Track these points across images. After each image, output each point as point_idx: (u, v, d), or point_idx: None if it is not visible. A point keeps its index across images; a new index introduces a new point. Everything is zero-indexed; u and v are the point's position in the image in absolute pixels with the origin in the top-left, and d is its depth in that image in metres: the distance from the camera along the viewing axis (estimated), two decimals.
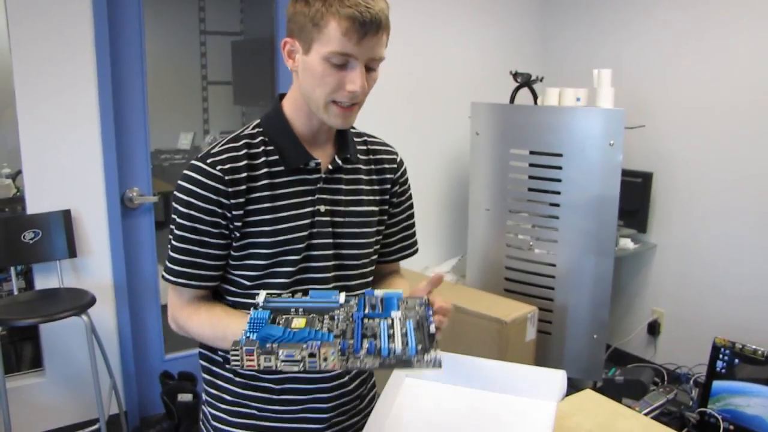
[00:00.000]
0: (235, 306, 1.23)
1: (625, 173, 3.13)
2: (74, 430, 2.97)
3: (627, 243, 3.53)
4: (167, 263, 1.20)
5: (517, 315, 2.87)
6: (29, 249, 2.76)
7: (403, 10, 3.57)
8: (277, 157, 1.21)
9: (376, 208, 1.32)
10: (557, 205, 3.19)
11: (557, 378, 1.36)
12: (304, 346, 0.91)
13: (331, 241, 1.24)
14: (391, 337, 0.98)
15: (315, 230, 1.22)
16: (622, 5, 3.73)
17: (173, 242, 1.19)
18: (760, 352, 2.37)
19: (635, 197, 3.58)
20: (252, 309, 1.04)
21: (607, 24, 3.83)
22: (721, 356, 2.47)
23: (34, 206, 2.77)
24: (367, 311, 1.06)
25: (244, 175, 1.17)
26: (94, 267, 2.93)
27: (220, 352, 1.28)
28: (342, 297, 1.09)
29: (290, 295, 1.17)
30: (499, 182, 3.38)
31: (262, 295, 1.08)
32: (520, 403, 1.32)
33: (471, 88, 3.88)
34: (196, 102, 4.59)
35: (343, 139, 1.28)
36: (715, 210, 3.38)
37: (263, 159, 1.20)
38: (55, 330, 2.86)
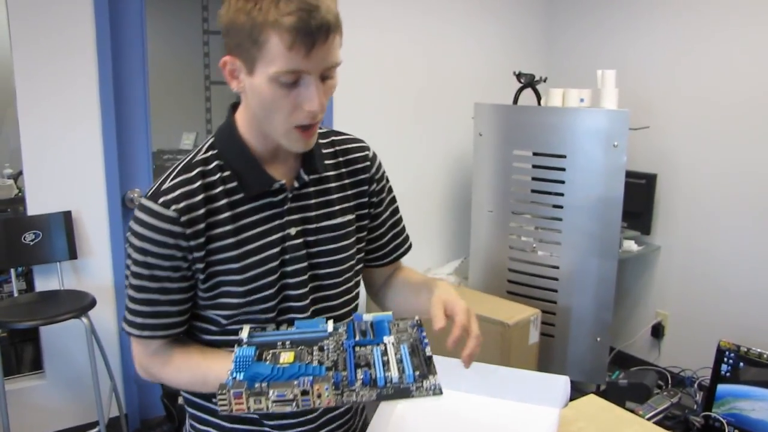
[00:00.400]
0: (214, 344, 1.13)
1: (629, 174, 3.11)
2: None
3: (631, 245, 3.51)
4: (127, 314, 1.09)
5: (519, 318, 2.86)
6: (29, 250, 2.75)
7: (405, 10, 3.56)
8: (236, 183, 1.08)
9: (351, 216, 1.21)
10: (560, 206, 3.17)
11: (561, 384, 1.34)
12: (296, 383, 0.85)
13: (306, 264, 1.13)
14: (386, 364, 0.92)
15: (287, 256, 1.11)
16: (627, 5, 3.71)
17: (131, 292, 1.08)
18: (765, 355, 2.35)
19: (639, 199, 3.56)
20: (236, 345, 0.98)
21: (611, 24, 3.81)
22: (725, 359, 2.45)
23: (34, 207, 2.76)
24: (357, 338, 0.99)
25: (201, 211, 1.05)
26: (95, 268, 2.91)
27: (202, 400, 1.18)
28: (330, 325, 1.03)
29: (275, 327, 1.08)
30: (502, 183, 3.36)
31: (245, 329, 1.03)
32: (523, 410, 1.31)
33: (474, 88, 3.86)
34: (199, 102, 4.57)
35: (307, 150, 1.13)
36: (720, 212, 3.36)
37: (221, 188, 1.07)
38: (56, 332, 2.85)
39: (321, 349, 0.97)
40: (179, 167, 1.09)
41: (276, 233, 1.11)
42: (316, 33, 0.93)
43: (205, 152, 1.10)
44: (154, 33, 3.08)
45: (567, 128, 3.11)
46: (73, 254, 2.81)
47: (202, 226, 1.05)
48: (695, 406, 2.91)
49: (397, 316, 1.07)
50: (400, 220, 1.35)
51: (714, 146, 3.35)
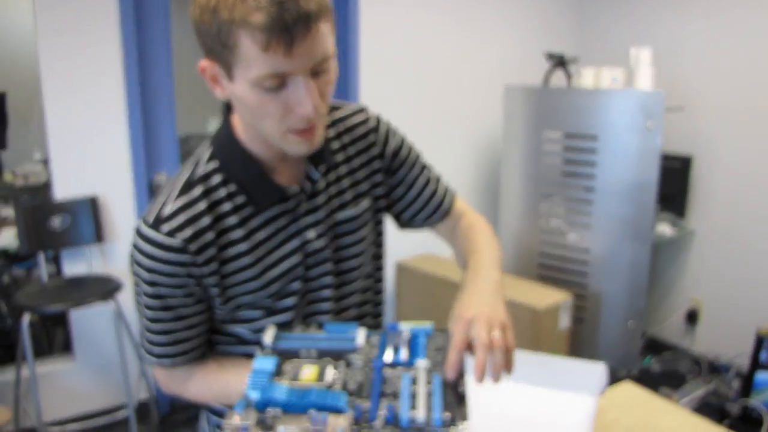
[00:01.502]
0: (240, 354, 1.08)
1: (664, 157, 3.04)
2: (104, 415, 2.98)
3: (664, 229, 3.43)
4: (145, 342, 1.03)
5: (550, 303, 2.81)
6: (57, 235, 2.76)
7: None
8: (244, 198, 0.99)
9: (365, 202, 1.12)
10: (592, 189, 3.11)
11: (598, 371, 1.29)
12: (309, 421, 0.78)
13: (330, 267, 1.07)
14: (413, 398, 0.83)
15: (310, 261, 1.04)
16: None
17: (146, 323, 1.01)
18: None
19: (674, 182, 3.47)
20: (257, 350, 0.92)
21: (645, 0, 3.70)
22: (764, 347, 2.38)
23: (61, 192, 2.77)
24: (388, 357, 0.90)
25: (211, 236, 0.96)
26: (122, 253, 2.92)
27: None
28: (361, 335, 0.95)
29: (303, 328, 0.99)
30: (532, 166, 3.31)
31: (270, 331, 0.96)
32: (559, 398, 1.27)
33: (503, 70, 3.79)
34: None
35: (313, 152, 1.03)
36: (757, 195, 3.26)
37: (229, 205, 0.98)
38: (84, 316, 2.86)
39: (348, 364, 0.89)
40: (178, 187, 0.97)
41: (295, 240, 1.03)
42: (293, 27, 0.80)
43: (205, 165, 0.99)
44: (179, 17, 3.05)
45: (599, 109, 3.04)
46: (99, 238, 2.82)
47: (213, 251, 0.96)
48: (731, 394, 2.84)
49: (438, 325, 0.98)
50: (430, 173, 1.23)
51: (752, 128, 3.24)
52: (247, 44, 0.81)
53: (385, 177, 1.17)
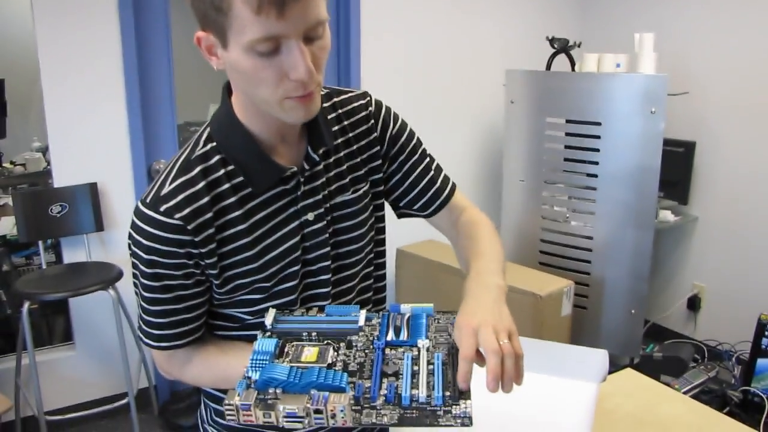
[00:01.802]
0: (239, 338, 1.06)
1: (667, 142, 3.02)
2: (104, 404, 2.98)
3: (667, 215, 3.42)
4: (142, 325, 1.02)
5: (552, 289, 2.80)
6: (57, 223, 2.75)
7: None
8: (242, 178, 0.98)
9: (364, 186, 1.11)
10: (595, 175, 3.09)
11: (599, 358, 1.28)
12: (309, 399, 0.77)
13: (329, 249, 1.05)
14: (414, 376, 0.82)
15: (308, 243, 1.03)
16: None
17: (144, 304, 1.00)
18: None
19: (677, 167, 3.45)
20: (259, 333, 0.91)
21: None
22: (767, 333, 2.36)
23: (60, 179, 2.75)
24: (390, 337, 0.90)
25: (209, 215, 0.95)
26: (121, 240, 2.90)
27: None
28: (362, 316, 0.94)
29: (304, 311, 0.99)
30: (534, 152, 3.29)
31: (271, 313, 0.95)
32: (561, 384, 1.26)
33: (505, 54, 3.76)
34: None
35: (314, 124, 1.03)
36: (761, 181, 3.24)
37: (227, 185, 0.97)
38: (84, 304, 2.86)
39: (349, 345, 0.89)
40: (177, 166, 0.97)
41: (293, 221, 1.02)
42: None
43: (204, 145, 0.99)
44: (178, 3, 3.02)
45: (602, 94, 3.01)
46: (99, 226, 2.81)
47: (212, 230, 0.95)
48: (733, 381, 2.83)
49: (438, 309, 0.97)
50: (431, 163, 1.21)
51: (756, 113, 3.22)
52: (239, 6, 0.80)
53: (385, 162, 1.15)
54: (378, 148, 1.14)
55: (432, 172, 1.20)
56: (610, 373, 1.42)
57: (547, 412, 1.22)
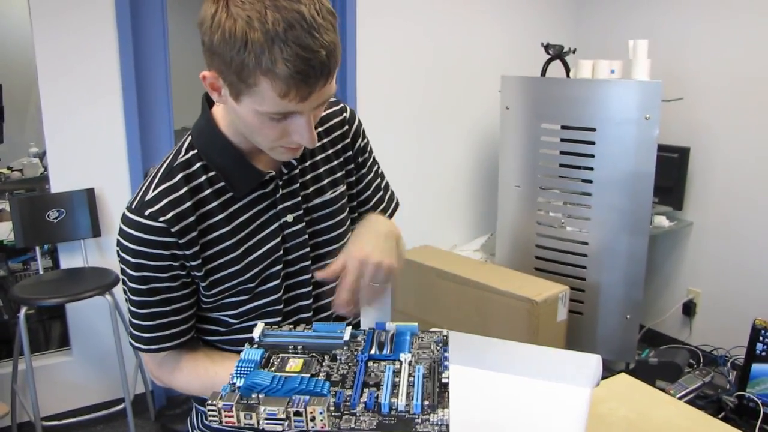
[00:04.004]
0: (225, 344, 1.10)
1: (661, 148, 3.03)
2: (100, 410, 2.98)
3: (662, 221, 3.43)
4: (132, 329, 1.05)
5: (548, 294, 2.80)
6: (54, 228, 2.75)
7: None
8: (223, 183, 1.02)
9: (342, 188, 1.16)
10: (590, 181, 3.10)
11: (592, 363, 1.29)
12: (289, 402, 0.78)
13: (308, 250, 1.10)
14: (395, 387, 0.84)
15: (288, 245, 1.07)
16: None
17: (133, 308, 1.03)
18: None
19: (671, 173, 3.46)
20: (246, 345, 0.93)
21: None
22: (761, 338, 2.37)
23: (58, 185, 2.76)
24: (373, 352, 0.92)
25: (192, 219, 0.98)
26: None
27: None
28: (348, 332, 0.96)
29: (292, 327, 1.00)
30: (529, 158, 3.30)
31: (259, 327, 0.96)
32: (553, 389, 1.26)
33: (500, 60, 3.78)
34: None
35: None
36: (755, 187, 3.25)
37: (209, 191, 1.01)
38: (81, 309, 2.86)
39: (333, 359, 0.91)
40: (160, 174, 1.01)
41: (273, 223, 1.06)
42: (314, 82, 0.84)
43: (186, 153, 1.02)
44: (175, 7, 3.04)
45: (597, 101, 3.03)
46: (96, 232, 2.81)
47: (194, 234, 0.99)
48: (728, 386, 2.84)
49: (423, 327, 0.99)
50: (383, 177, 1.28)
51: (749, 119, 3.24)
52: (266, 87, 0.84)
53: (355, 166, 1.21)
54: (350, 153, 1.19)
55: (384, 191, 1.28)
56: (604, 378, 1.43)
57: (539, 416, 1.22)
